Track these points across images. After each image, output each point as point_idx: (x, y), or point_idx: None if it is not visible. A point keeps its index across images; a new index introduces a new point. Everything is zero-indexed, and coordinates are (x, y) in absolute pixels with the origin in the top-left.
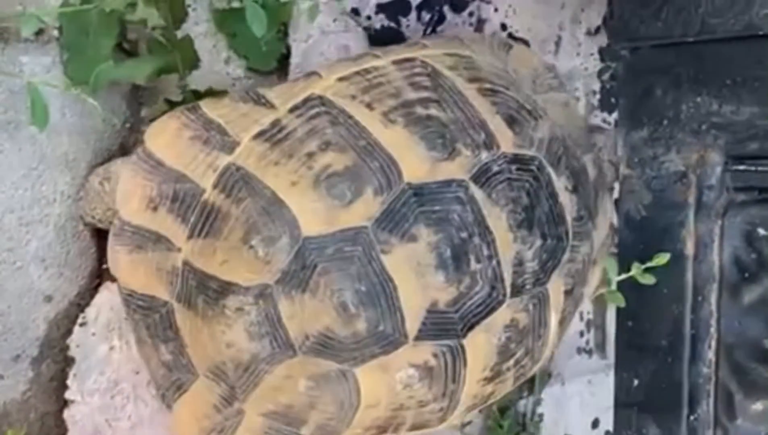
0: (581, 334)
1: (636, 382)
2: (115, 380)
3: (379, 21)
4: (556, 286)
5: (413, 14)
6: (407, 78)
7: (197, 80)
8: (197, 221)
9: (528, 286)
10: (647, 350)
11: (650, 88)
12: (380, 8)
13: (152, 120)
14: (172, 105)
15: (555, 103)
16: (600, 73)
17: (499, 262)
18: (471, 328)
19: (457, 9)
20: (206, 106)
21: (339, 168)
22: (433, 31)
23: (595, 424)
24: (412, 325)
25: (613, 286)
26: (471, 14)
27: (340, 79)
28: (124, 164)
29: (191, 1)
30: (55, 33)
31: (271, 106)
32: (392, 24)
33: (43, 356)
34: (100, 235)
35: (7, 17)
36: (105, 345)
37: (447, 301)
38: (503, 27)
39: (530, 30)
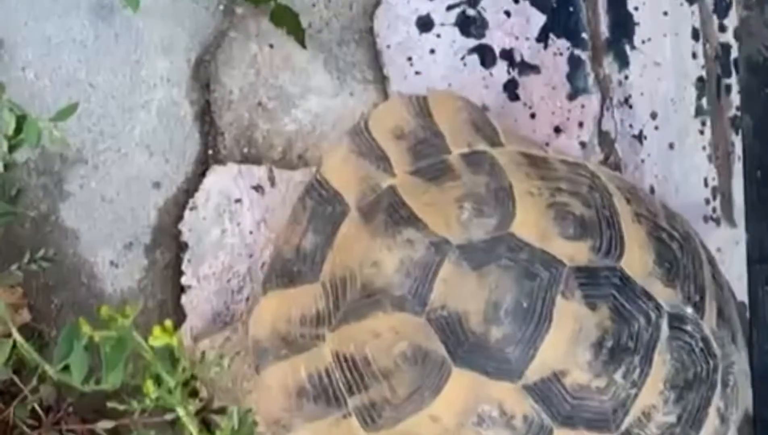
0: (707, 201)
1: None
2: (230, 264)
3: None
4: None
5: None
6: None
7: None
8: (427, 166)
9: None
10: None
11: None
12: None
13: None
14: None
15: None
16: None
17: (636, 395)
18: None
19: None
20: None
21: (576, 212)
22: None
23: None
24: (532, 374)
25: None
26: None
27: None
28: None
29: None
30: None
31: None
32: None
33: (156, 243)
34: (202, 121)
35: None
36: (217, 229)
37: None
38: None
39: None
